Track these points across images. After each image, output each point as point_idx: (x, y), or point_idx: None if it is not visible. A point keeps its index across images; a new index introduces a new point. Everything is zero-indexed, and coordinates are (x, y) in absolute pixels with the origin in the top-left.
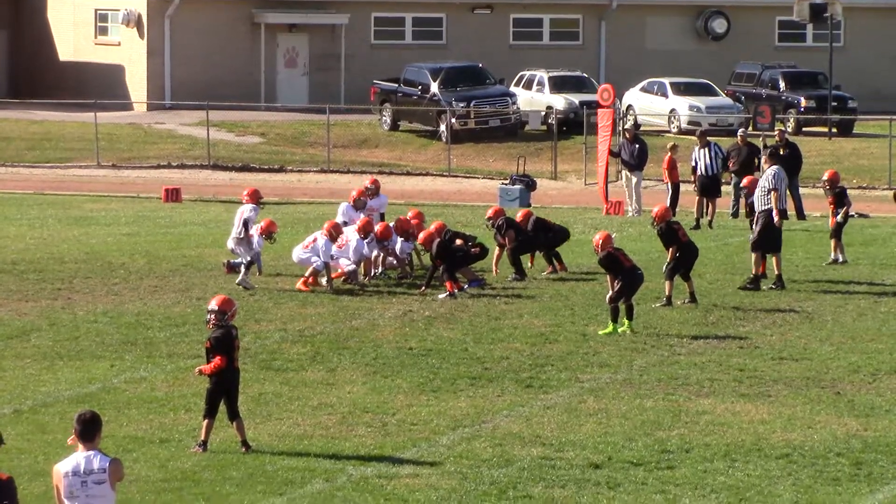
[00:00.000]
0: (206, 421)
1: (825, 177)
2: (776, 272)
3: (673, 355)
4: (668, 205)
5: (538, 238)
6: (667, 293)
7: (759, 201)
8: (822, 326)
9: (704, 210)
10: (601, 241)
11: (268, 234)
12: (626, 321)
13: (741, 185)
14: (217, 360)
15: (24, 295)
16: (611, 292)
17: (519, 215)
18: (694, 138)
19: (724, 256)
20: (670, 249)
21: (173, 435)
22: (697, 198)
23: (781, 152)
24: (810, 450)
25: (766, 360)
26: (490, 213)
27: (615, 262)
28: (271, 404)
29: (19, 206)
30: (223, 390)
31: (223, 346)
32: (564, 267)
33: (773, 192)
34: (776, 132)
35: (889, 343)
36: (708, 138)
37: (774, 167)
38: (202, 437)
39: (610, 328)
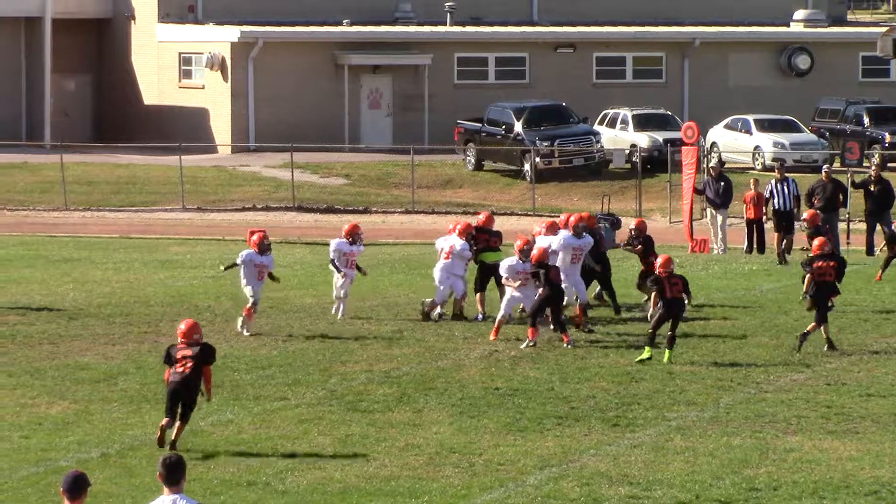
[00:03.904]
0: (165, 419)
1: None
2: None
3: (759, 392)
4: (748, 241)
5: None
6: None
7: None
8: None
9: (784, 244)
10: (660, 264)
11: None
12: (668, 351)
13: (803, 217)
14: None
15: (111, 339)
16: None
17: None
18: (775, 175)
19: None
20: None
21: (260, 477)
22: (776, 233)
23: (872, 188)
24: None
25: (854, 397)
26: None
27: (659, 287)
28: (358, 445)
29: (105, 250)
30: (171, 395)
31: (165, 360)
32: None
33: None
34: (872, 168)
35: None
36: (786, 174)
37: None
38: (158, 434)
39: (646, 353)
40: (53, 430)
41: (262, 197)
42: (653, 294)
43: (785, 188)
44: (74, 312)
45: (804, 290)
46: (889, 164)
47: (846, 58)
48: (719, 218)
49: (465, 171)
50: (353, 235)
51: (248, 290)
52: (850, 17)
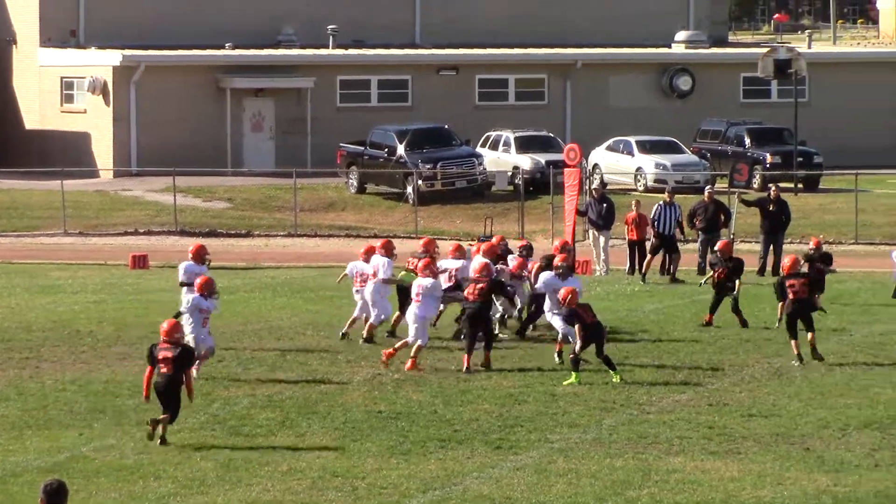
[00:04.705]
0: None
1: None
2: None
3: (642, 414)
4: (630, 263)
5: None
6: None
7: None
8: (790, 382)
9: (667, 265)
10: (567, 298)
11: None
12: (613, 372)
13: (716, 248)
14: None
15: None
16: (578, 344)
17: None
18: (658, 196)
19: (692, 315)
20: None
21: (143, 503)
22: (650, 256)
23: (771, 208)
24: None
25: (736, 417)
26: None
27: (577, 318)
28: (241, 470)
29: None
30: (158, 395)
31: (148, 359)
32: None
33: None
34: (773, 189)
35: (857, 398)
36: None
37: None
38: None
39: (573, 378)
40: None
41: (144, 221)
42: (577, 326)
43: (671, 212)
44: None
45: (779, 315)
46: (770, 185)
47: (728, 79)
48: (602, 239)
49: (348, 195)
50: (201, 256)
51: (191, 339)
52: (731, 37)
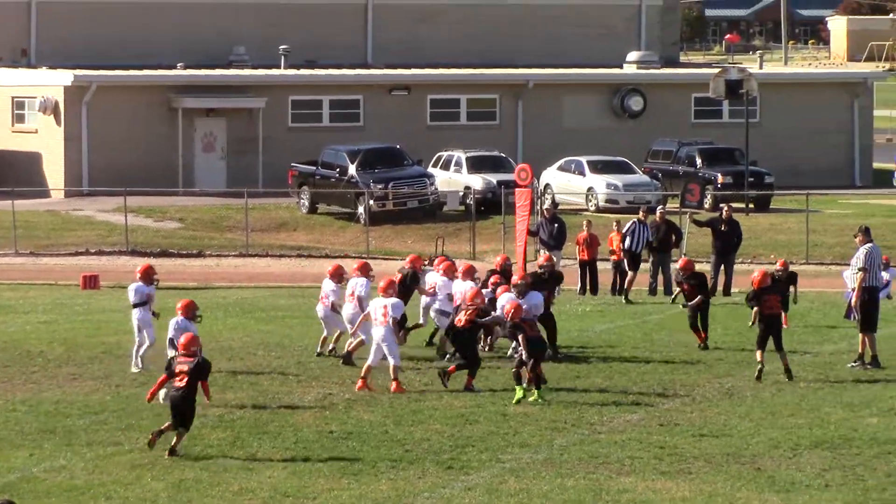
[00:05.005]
0: (167, 423)
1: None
2: (862, 350)
3: (593, 434)
4: (581, 283)
5: None
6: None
7: (851, 280)
8: (741, 402)
9: (622, 282)
10: (511, 311)
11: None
12: (535, 391)
13: (678, 268)
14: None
15: None
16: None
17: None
18: (609, 216)
19: (643, 334)
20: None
21: None
22: (632, 274)
23: (723, 228)
24: None
25: (687, 437)
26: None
27: (520, 330)
28: (192, 490)
29: None
30: (172, 408)
31: (166, 369)
32: None
33: (861, 272)
34: (725, 209)
35: (808, 418)
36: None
37: (868, 245)
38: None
39: (518, 393)
40: None
41: (95, 241)
42: (520, 336)
43: (644, 231)
44: None
45: (751, 321)
46: (721, 205)
47: (679, 99)
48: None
49: (300, 214)
50: (149, 276)
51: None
52: (682, 58)
